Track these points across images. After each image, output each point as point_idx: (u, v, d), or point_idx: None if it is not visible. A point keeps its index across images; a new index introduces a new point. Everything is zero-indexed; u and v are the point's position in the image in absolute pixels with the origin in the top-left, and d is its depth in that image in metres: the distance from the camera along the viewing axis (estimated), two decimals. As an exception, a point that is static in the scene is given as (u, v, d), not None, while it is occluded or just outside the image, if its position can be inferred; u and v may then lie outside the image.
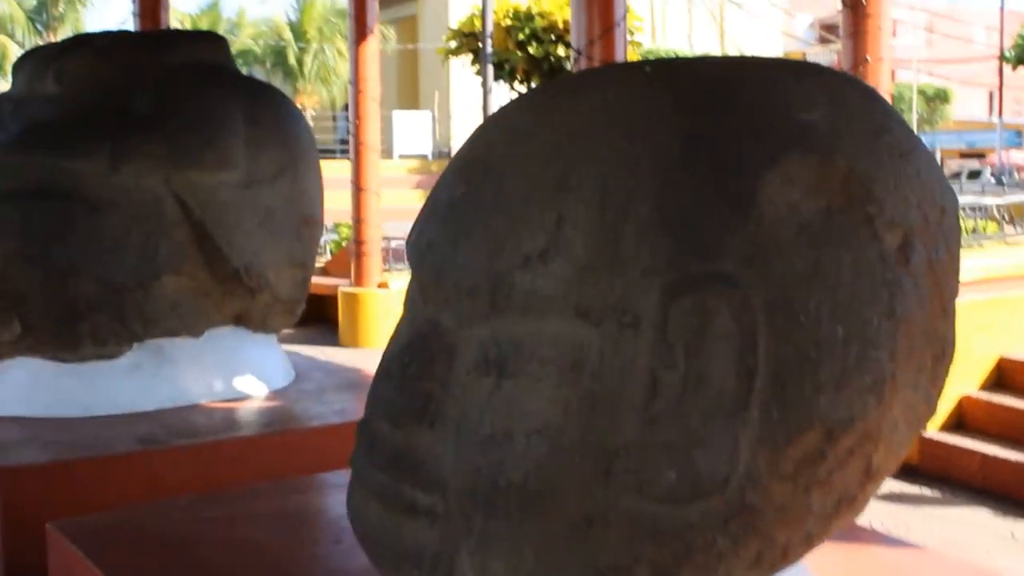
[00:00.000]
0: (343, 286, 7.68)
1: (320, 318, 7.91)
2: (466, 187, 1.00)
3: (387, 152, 15.44)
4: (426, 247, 1.01)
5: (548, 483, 0.90)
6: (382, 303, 7.40)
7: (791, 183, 0.91)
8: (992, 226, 10.12)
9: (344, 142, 14.68)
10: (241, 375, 2.61)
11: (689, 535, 0.90)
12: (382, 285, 7.55)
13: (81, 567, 1.52)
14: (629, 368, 0.89)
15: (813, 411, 0.90)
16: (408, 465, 0.98)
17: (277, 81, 22.78)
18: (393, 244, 8.39)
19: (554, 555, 0.91)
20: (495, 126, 1.07)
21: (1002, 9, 27.33)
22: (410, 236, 1.06)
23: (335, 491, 1.80)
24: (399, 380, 0.99)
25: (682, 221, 0.89)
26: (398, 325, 1.10)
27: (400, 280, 7.42)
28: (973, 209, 10.18)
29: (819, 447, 0.91)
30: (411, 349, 1.00)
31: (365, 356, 5.99)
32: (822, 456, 0.92)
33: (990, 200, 11.65)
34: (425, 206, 1.06)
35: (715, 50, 23.60)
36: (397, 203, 10.70)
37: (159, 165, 2.35)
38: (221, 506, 1.74)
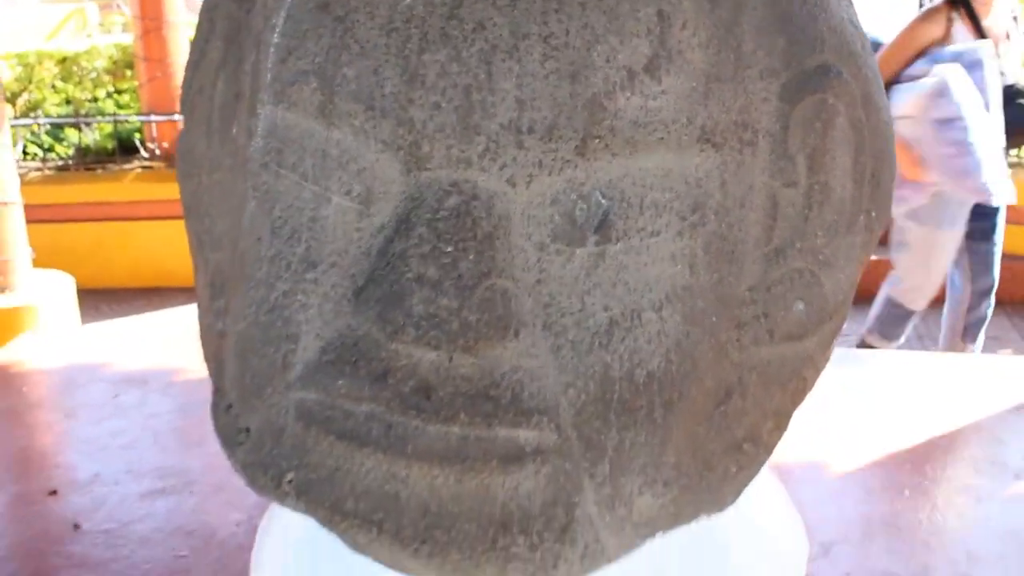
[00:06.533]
0: None
1: None
2: None
3: None
4: (412, 76, 0.66)
5: (689, 361, 0.71)
6: None
7: None
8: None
9: None
10: None
11: (806, 369, 0.78)
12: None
13: None
14: (749, 195, 0.73)
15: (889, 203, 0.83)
16: (502, 398, 0.69)
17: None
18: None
19: (694, 445, 0.73)
20: None
21: None
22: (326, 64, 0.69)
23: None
24: (449, 283, 0.66)
25: (787, 10, 0.74)
26: (278, 214, 0.73)
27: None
28: None
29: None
30: (438, 233, 0.67)
31: None
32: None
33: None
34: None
35: None
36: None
37: None
38: None
